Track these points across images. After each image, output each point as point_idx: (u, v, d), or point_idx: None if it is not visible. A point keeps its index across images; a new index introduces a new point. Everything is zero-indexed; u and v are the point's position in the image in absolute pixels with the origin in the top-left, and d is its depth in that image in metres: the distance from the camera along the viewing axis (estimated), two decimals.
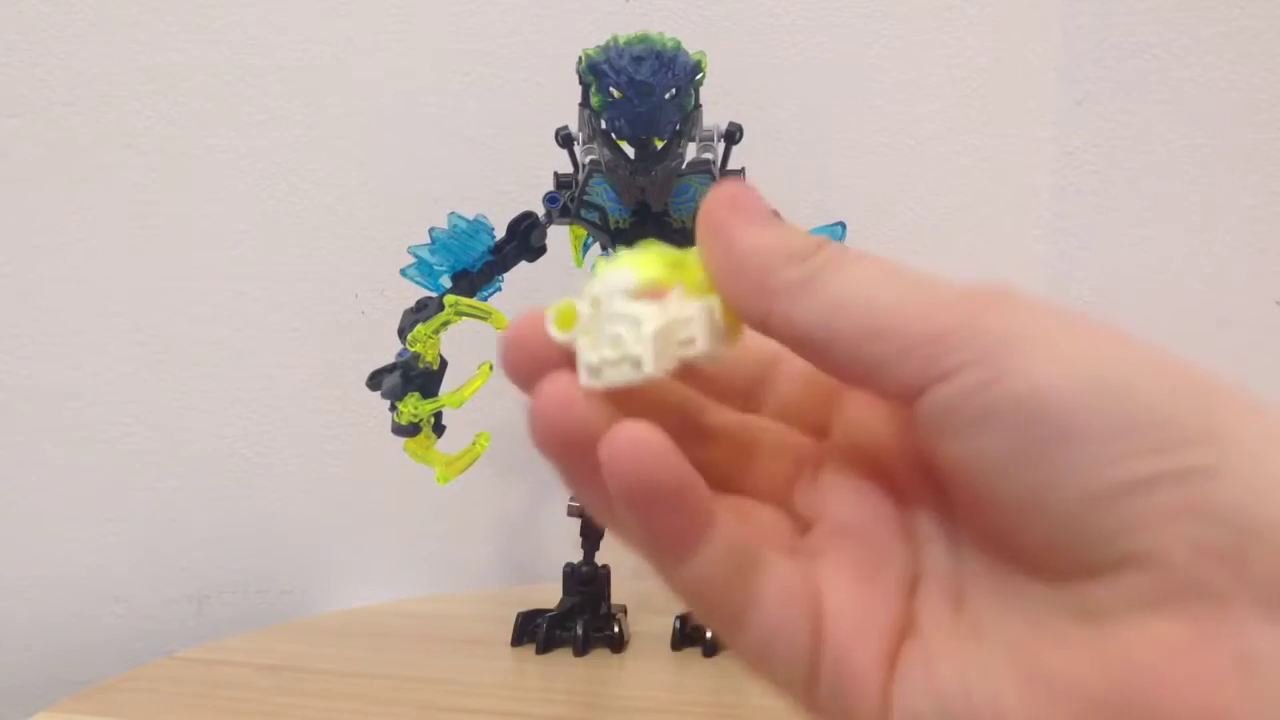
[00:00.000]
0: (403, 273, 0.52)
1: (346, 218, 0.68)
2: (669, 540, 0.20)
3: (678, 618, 0.57)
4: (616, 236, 0.51)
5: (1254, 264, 0.66)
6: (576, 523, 0.56)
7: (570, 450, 0.20)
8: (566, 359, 0.21)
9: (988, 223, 0.68)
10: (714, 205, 0.21)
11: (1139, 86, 0.65)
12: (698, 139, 0.50)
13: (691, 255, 0.22)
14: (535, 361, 0.21)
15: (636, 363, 0.20)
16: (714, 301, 0.21)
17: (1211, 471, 0.17)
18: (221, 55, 0.67)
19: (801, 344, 0.20)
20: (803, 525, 0.23)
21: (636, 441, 0.19)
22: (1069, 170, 0.67)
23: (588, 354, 0.20)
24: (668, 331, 0.20)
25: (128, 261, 0.68)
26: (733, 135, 0.50)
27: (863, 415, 0.23)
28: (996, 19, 0.66)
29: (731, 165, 0.51)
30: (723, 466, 0.23)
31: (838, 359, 0.20)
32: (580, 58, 0.47)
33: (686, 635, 0.56)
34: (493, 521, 0.71)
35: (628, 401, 0.20)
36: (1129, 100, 0.65)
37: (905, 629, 0.21)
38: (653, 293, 0.21)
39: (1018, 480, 0.18)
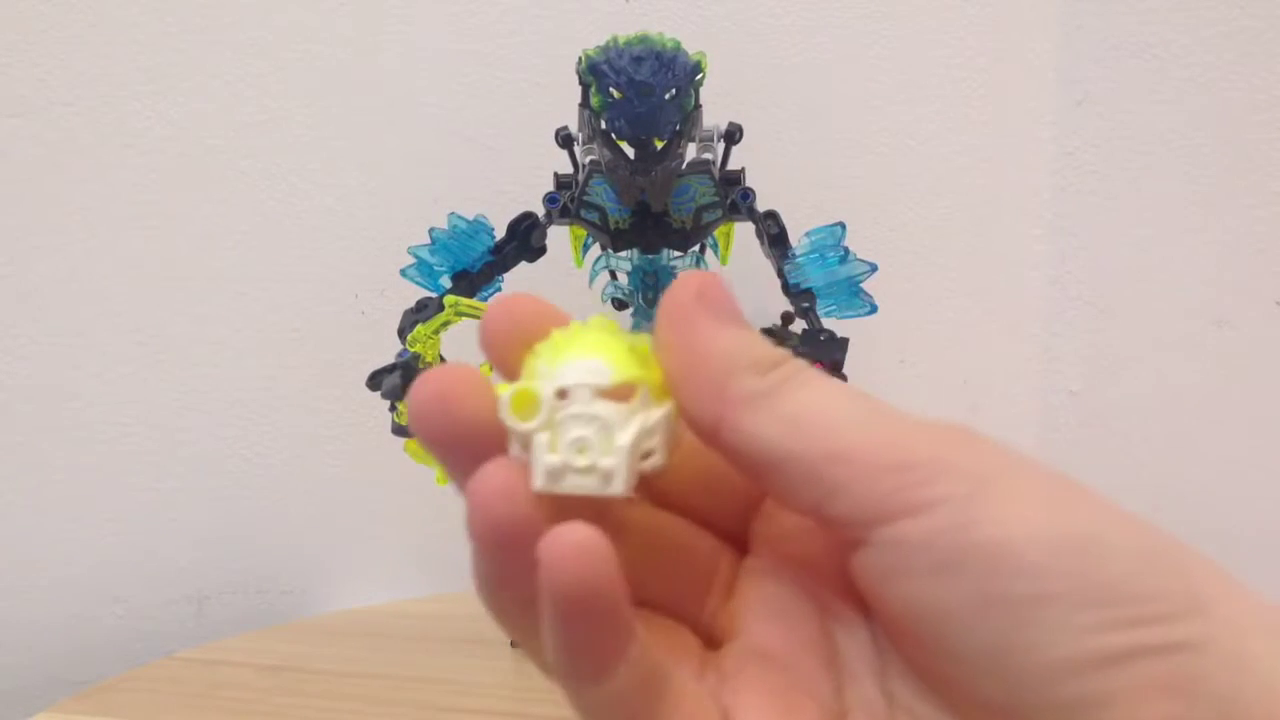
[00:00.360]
0: (403, 273, 0.52)
1: (346, 218, 0.68)
2: (590, 656, 0.18)
3: None
4: (616, 237, 0.51)
5: (1254, 264, 0.66)
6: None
7: (506, 548, 0.18)
8: (492, 434, 0.19)
9: (987, 223, 0.68)
10: (678, 295, 0.20)
11: (1139, 86, 0.65)
12: (698, 139, 0.50)
13: (653, 354, 0.20)
14: (458, 431, 0.19)
15: (606, 477, 0.18)
16: (671, 406, 0.20)
17: (1194, 647, 0.16)
18: (221, 56, 0.67)
19: (750, 459, 0.19)
20: (711, 640, 0.22)
21: (582, 548, 0.17)
22: (1069, 170, 0.67)
23: (547, 455, 0.18)
24: (636, 443, 0.19)
25: (128, 261, 0.68)
26: (732, 135, 0.50)
27: (788, 531, 0.22)
28: (996, 19, 0.66)
29: (731, 165, 0.51)
30: (631, 568, 0.21)
31: (789, 480, 0.19)
32: (580, 58, 0.47)
33: None
34: None
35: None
36: (1129, 100, 0.65)
37: None
38: (622, 393, 0.19)
39: (980, 636, 0.17)
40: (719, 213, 0.51)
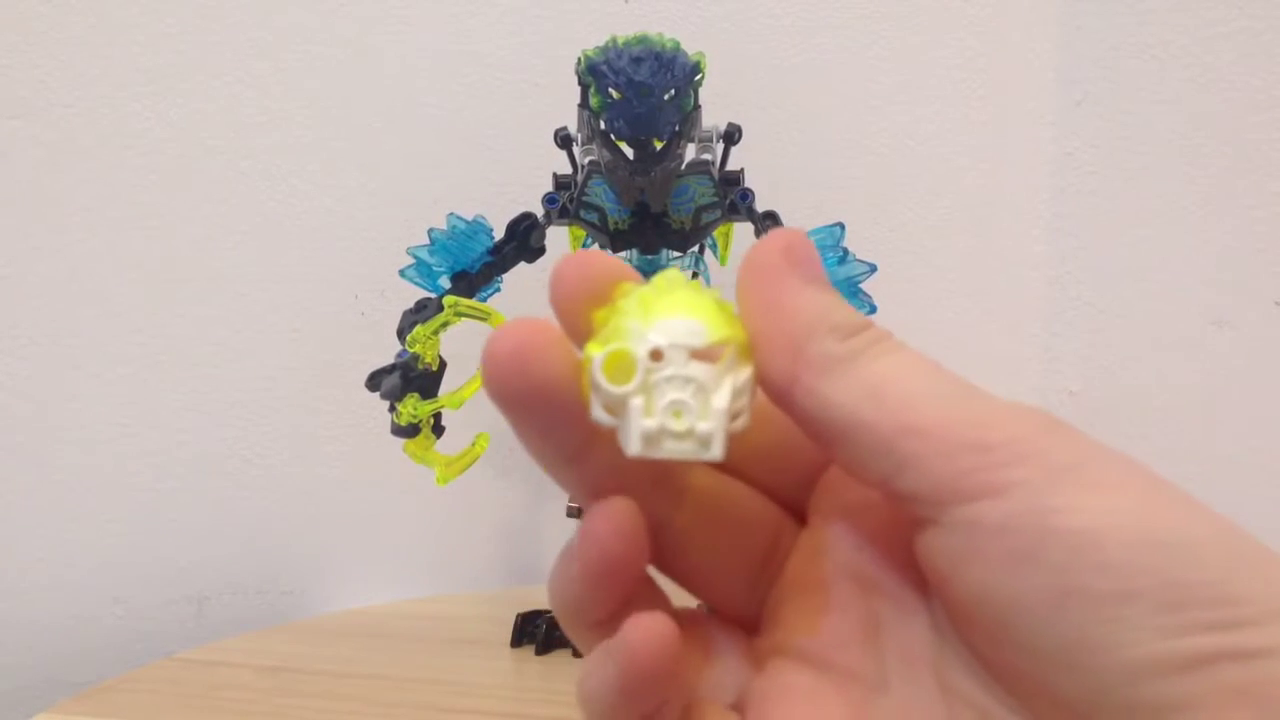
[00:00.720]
0: (402, 274, 0.52)
1: (346, 219, 0.68)
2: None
3: None
4: (615, 237, 0.51)
5: (1254, 264, 0.66)
6: (575, 524, 0.56)
7: (612, 582, 0.19)
8: (569, 394, 0.19)
9: (987, 223, 0.68)
10: (765, 252, 0.20)
11: (1139, 87, 0.65)
12: (697, 140, 0.50)
13: (734, 311, 0.20)
14: (534, 390, 0.18)
15: (705, 442, 0.18)
16: (752, 367, 0.19)
17: (1274, 653, 0.16)
18: (221, 57, 0.67)
19: (823, 425, 0.18)
20: (757, 623, 0.22)
21: (661, 647, 0.18)
22: (1068, 171, 0.67)
23: (643, 418, 0.18)
24: (730, 406, 0.18)
25: (128, 262, 0.68)
26: (732, 136, 0.50)
27: (848, 507, 0.21)
28: (996, 19, 0.66)
29: (731, 166, 0.51)
30: (687, 537, 0.21)
31: (860, 450, 0.18)
32: (579, 59, 0.47)
33: None
34: (492, 522, 0.71)
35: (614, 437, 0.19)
36: (1128, 101, 0.65)
37: None
38: (713, 353, 0.18)
39: (1056, 630, 0.16)
40: (718, 213, 0.51)
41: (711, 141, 0.50)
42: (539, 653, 0.56)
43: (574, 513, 0.56)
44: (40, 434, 0.69)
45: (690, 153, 0.50)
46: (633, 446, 0.18)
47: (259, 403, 0.70)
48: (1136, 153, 0.66)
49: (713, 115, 0.50)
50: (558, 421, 0.19)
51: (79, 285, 0.68)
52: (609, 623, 0.19)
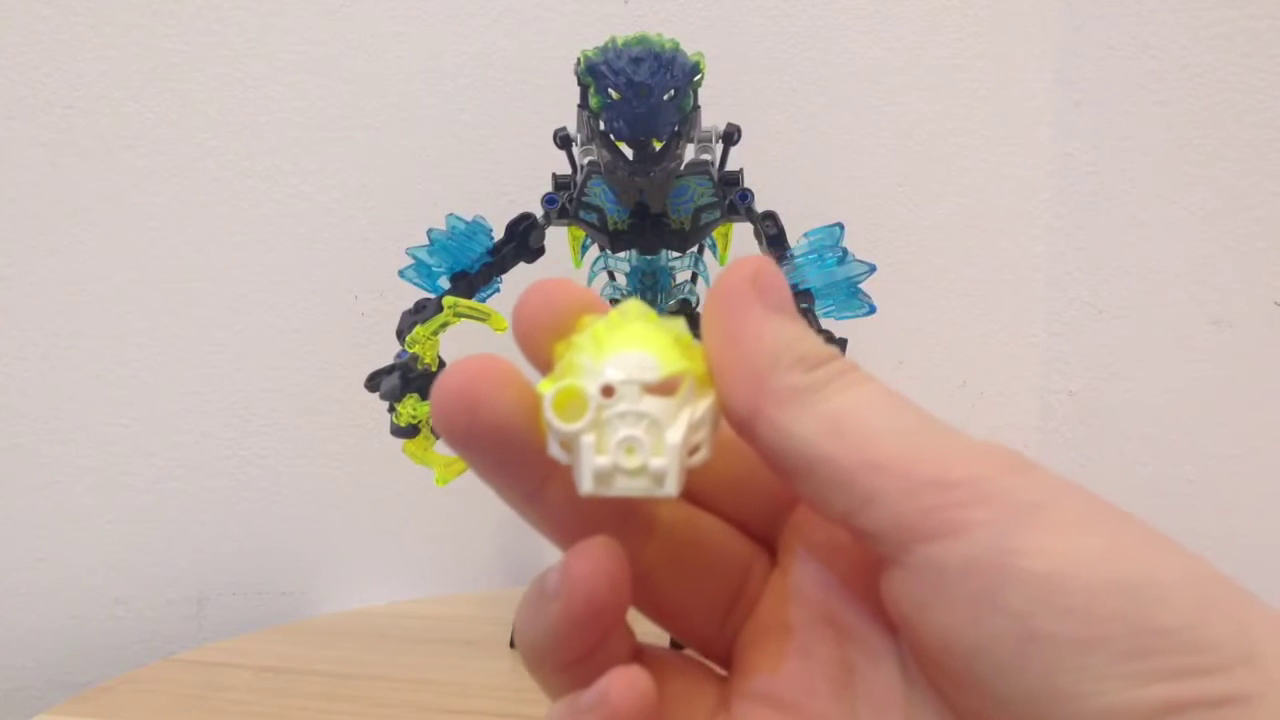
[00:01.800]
0: (401, 274, 0.52)
1: (346, 219, 0.68)
2: None
3: None
4: (615, 238, 0.51)
5: (1254, 264, 0.66)
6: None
7: (595, 625, 0.19)
8: (521, 432, 0.18)
9: (987, 223, 0.68)
10: (731, 279, 0.19)
11: (1138, 87, 0.65)
12: (696, 140, 0.50)
13: (694, 341, 0.19)
14: (484, 431, 0.18)
15: (658, 479, 0.18)
16: (715, 396, 0.19)
17: (1243, 700, 0.15)
18: (221, 57, 0.67)
19: (785, 458, 0.18)
20: (728, 661, 0.21)
21: (642, 706, 0.18)
22: (1067, 171, 0.67)
23: (595, 456, 0.18)
24: (685, 440, 0.18)
25: (127, 262, 0.68)
26: (731, 136, 0.50)
27: (816, 547, 0.21)
28: (996, 19, 0.66)
29: (730, 166, 0.51)
30: (656, 573, 0.21)
31: (822, 484, 0.18)
32: (578, 59, 0.47)
33: None
34: (492, 523, 0.71)
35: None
36: (1128, 101, 0.65)
37: None
38: (668, 386, 0.18)
39: (1019, 677, 0.16)
40: (717, 213, 0.51)
41: (711, 142, 0.50)
42: None
43: None
44: (40, 434, 0.69)
45: (690, 153, 0.50)
46: (585, 485, 0.18)
47: (259, 403, 0.70)
48: (1136, 153, 0.66)
49: (712, 115, 0.50)
50: (511, 460, 0.19)
51: (79, 285, 0.68)
52: (579, 665, 0.19)
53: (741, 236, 0.54)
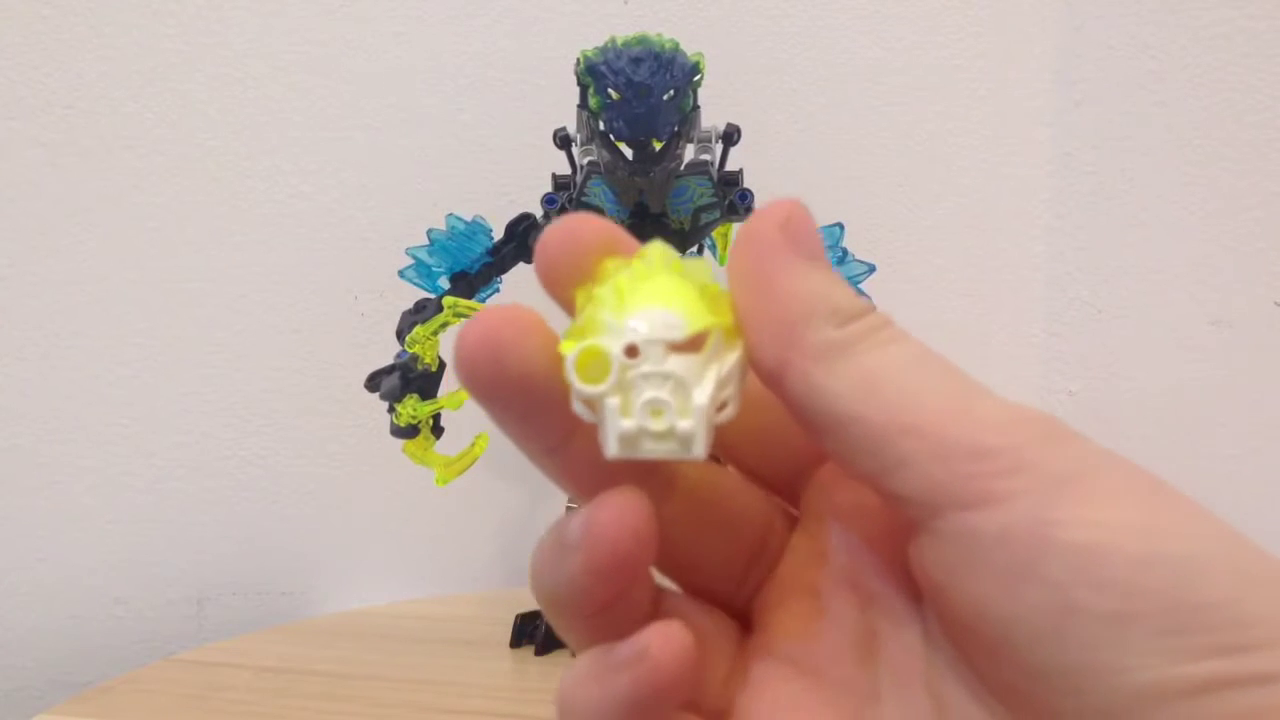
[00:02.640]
0: (401, 274, 0.52)
1: (346, 219, 0.68)
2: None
3: None
4: None
5: (1253, 264, 0.66)
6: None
7: (620, 579, 0.18)
8: (546, 385, 0.17)
9: (987, 223, 0.68)
10: (761, 224, 0.18)
11: (1138, 88, 0.65)
12: (696, 140, 0.50)
13: (721, 290, 0.18)
14: (507, 381, 0.17)
15: (685, 441, 0.17)
16: (743, 348, 0.18)
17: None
18: (221, 57, 0.67)
19: (814, 414, 0.17)
20: (748, 620, 0.21)
21: (685, 661, 0.17)
22: (1067, 171, 0.67)
23: (620, 419, 0.17)
24: (713, 400, 0.17)
25: (127, 262, 0.68)
26: (731, 136, 0.50)
27: (841, 508, 0.20)
28: (996, 19, 0.66)
29: (730, 166, 0.51)
30: (675, 529, 0.20)
31: (853, 444, 0.17)
32: (578, 59, 0.47)
33: None
34: (491, 523, 0.71)
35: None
36: (1128, 101, 0.65)
37: None
38: (695, 343, 0.17)
39: (1054, 650, 0.16)
40: (717, 213, 0.51)
41: (710, 142, 0.50)
42: (538, 653, 0.56)
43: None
44: (40, 434, 0.69)
45: (689, 153, 0.50)
46: (610, 448, 0.17)
47: (259, 403, 0.70)
48: (1136, 153, 0.66)
49: (712, 115, 0.50)
50: (533, 412, 0.18)
51: (79, 285, 0.68)
52: (602, 614, 0.19)
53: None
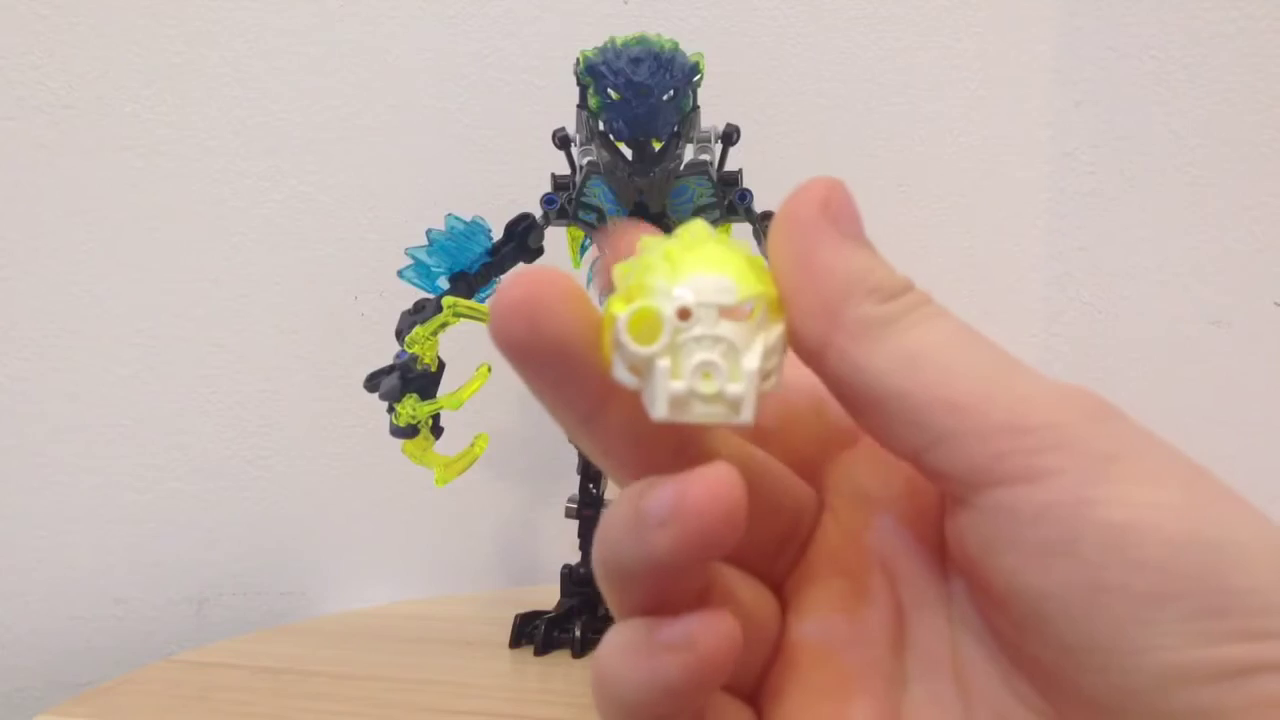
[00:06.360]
0: (400, 274, 0.52)
1: (345, 220, 0.68)
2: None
3: None
4: None
5: (1253, 264, 0.65)
6: (574, 524, 0.56)
7: (710, 549, 0.17)
8: (581, 350, 0.17)
9: (986, 223, 0.68)
10: (801, 202, 0.18)
11: (1138, 88, 0.65)
12: (695, 140, 0.50)
13: (764, 263, 0.18)
14: (542, 344, 0.17)
15: (735, 406, 0.17)
16: (784, 325, 0.18)
17: None
18: (221, 58, 0.67)
19: (856, 391, 0.17)
20: (780, 599, 0.21)
21: (733, 646, 0.17)
22: (1067, 171, 0.67)
23: (670, 381, 0.17)
24: (762, 366, 0.17)
25: (127, 263, 0.68)
26: (730, 136, 0.50)
27: (868, 490, 0.20)
28: (996, 20, 0.66)
29: (729, 166, 0.51)
30: None
31: (894, 420, 0.17)
32: (578, 59, 0.47)
33: None
34: (491, 523, 0.71)
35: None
36: (1127, 101, 0.65)
37: None
38: (743, 310, 0.17)
39: (1087, 628, 0.16)
40: (717, 213, 0.51)
41: (710, 142, 0.50)
42: (538, 653, 0.56)
43: (573, 513, 0.56)
44: (40, 434, 0.69)
45: (689, 153, 0.50)
46: (659, 410, 0.17)
47: (259, 403, 0.70)
48: (1135, 153, 0.66)
49: (712, 115, 0.50)
50: (568, 378, 0.18)
51: (79, 285, 0.68)
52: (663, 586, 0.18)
53: (741, 237, 0.54)
